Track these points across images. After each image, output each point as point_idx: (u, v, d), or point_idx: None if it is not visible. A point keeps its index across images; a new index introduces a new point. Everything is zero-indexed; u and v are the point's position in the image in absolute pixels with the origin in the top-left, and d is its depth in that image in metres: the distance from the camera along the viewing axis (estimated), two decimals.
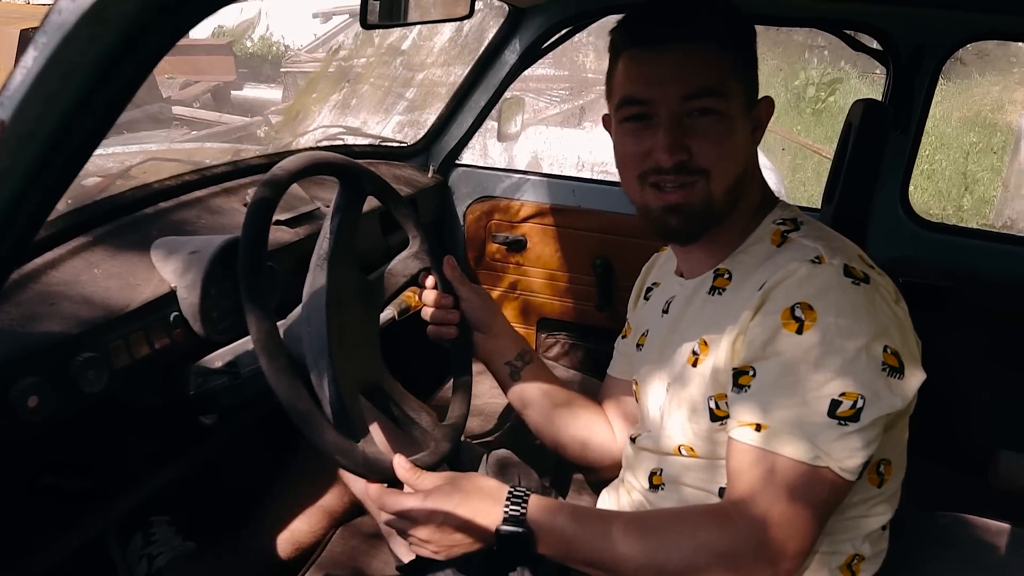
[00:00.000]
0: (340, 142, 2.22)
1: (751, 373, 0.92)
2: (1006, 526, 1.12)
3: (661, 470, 1.06)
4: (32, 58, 0.63)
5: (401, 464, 0.97)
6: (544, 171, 2.54)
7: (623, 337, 1.31)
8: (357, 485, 1.25)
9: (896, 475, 0.98)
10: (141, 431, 1.20)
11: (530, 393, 1.27)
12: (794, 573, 0.89)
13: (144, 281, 1.09)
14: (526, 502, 0.93)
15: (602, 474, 1.31)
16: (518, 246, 2.20)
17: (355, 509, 1.30)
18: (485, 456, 1.29)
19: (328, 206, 1.57)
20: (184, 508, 1.36)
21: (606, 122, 1.09)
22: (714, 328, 0.98)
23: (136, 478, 1.20)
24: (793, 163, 6.56)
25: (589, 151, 3.94)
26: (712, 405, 0.97)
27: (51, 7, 0.64)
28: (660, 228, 1.03)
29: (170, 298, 1.10)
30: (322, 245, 1.08)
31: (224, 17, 8.95)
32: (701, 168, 0.97)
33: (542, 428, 1.30)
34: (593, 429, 1.28)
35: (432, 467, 1.05)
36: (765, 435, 0.88)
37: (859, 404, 0.86)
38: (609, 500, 1.20)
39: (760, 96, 1.04)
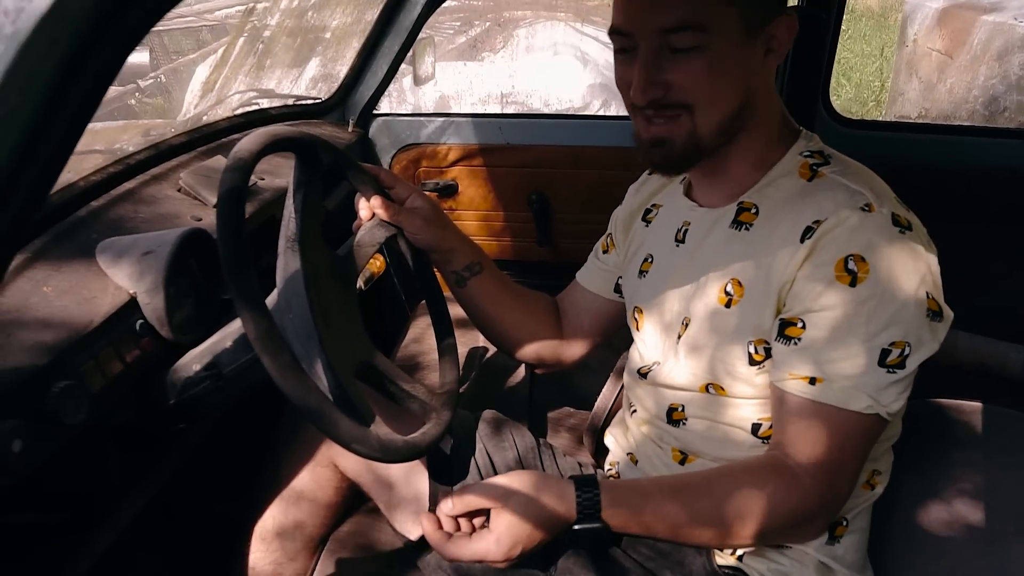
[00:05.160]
0: (255, 106, 2.09)
1: (800, 325, 0.91)
2: (978, 405, 1.19)
3: (683, 406, 1.06)
4: None
5: (446, 507, 0.92)
6: (465, 111, 2.47)
7: (604, 252, 1.28)
8: (346, 462, 1.21)
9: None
10: (114, 449, 1.12)
11: (474, 302, 1.24)
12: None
13: (100, 292, 1.00)
14: (598, 495, 0.90)
15: (545, 368, 1.33)
16: (449, 191, 2.16)
17: (352, 488, 1.27)
18: (476, 418, 1.28)
19: (263, 179, 1.49)
20: (176, 517, 1.30)
21: None
22: (749, 269, 0.96)
23: (115, 502, 1.12)
24: None
25: (510, 85, 3.86)
26: (751, 350, 0.96)
27: None
28: (645, 159, 1.01)
29: (131, 306, 1.02)
30: (288, 226, 1.01)
31: None
32: (682, 103, 0.93)
33: (485, 330, 1.29)
34: (541, 335, 1.28)
35: (438, 437, 1.03)
36: (820, 388, 0.89)
37: (906, 352, 0.88)
38: (618, 433, 1.21)
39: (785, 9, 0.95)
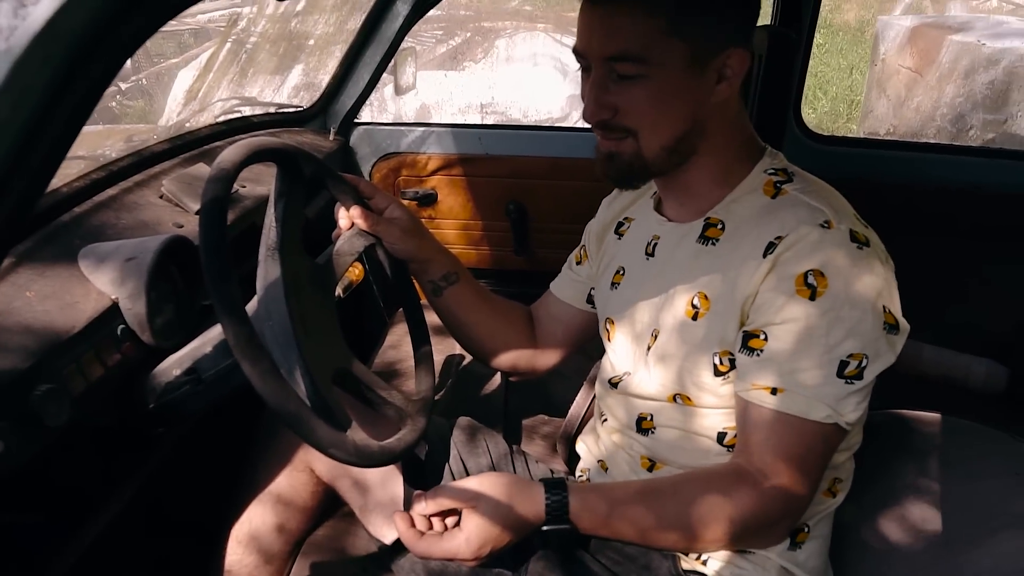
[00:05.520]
0: (237, 114, 2.10)
1: (763, 337, 0.94)
2: (937, 416, 1.23)
3: (651, 415, 1.09)
4: None
5: (419, 506, 0.96)
6: (447, 121, 2.50)
7: (577, 263, 1.32)
8: (323, 466, 1.23)
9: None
10: (95, 452, 1.13)
11: (450, 311, 1.27)
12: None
13: (82, 297, 1.01)
14: (566, 498, 0.93)
15: (519, 376, 1.37)
16: (429, 200, 2.18)
17: (328, 492, 1.28)
18: (451, 424, 1.30)
19: (244, 187, 1.51)
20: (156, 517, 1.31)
21: None
22: (715, 283, 1.00)
23: (95, 504, 1.14)
24: None
25: (490, 95, 3.89)
26: (716, 361, 0.99)
27: None
28: (599, 171, 1.05)
29: (113, 311, 1.03)
30: (269, 235, 1.04)
31: None
32: (626, 127, 0.98)
33: (461, 339, 1.32)
34: (515, 344, 1.31)
35: (414, 443, 1.06)
36: (781, 399, 0.92)
37: (863, 363, 0.92)
38: (590, 441, 1.24)
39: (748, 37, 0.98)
